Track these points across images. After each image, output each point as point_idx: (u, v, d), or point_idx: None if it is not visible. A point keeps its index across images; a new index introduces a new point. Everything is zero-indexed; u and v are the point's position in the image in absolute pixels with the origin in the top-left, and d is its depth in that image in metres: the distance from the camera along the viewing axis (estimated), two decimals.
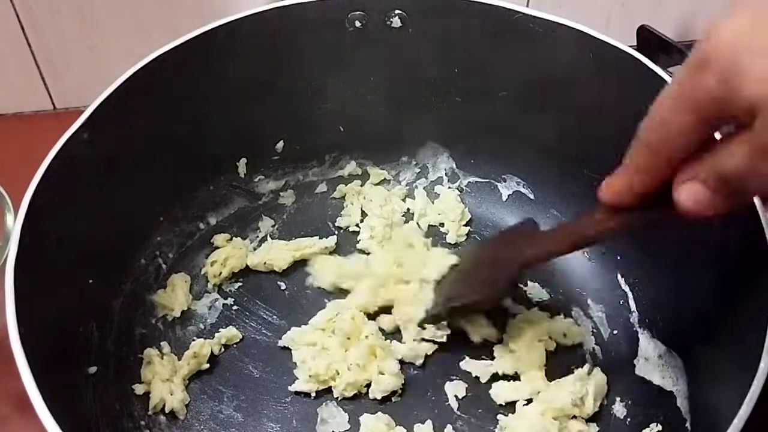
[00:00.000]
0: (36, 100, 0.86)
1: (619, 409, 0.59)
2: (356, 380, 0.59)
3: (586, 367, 0.60)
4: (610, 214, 0.50)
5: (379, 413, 0.58)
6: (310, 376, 0.59)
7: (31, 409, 0.62)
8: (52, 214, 0.52)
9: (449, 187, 0.73)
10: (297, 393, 0.60)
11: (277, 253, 0.67)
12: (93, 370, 0.56)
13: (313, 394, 0.60)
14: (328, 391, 0.60)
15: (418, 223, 0.71)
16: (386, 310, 0.64)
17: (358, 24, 0.65)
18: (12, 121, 0.87)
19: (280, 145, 0.71)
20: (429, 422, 0.58)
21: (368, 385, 0.60)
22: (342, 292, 0.65)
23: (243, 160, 0.70)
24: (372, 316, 0.64)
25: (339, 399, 0.59)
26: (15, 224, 0.50)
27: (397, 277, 0.64)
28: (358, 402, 0.59)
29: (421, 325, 0.62)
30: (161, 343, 0.61)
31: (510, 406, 0.59)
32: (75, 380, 0.53)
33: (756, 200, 0.49)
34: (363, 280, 0.64)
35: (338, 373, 0.59)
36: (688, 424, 0.53)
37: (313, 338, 0.62)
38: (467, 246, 0.68)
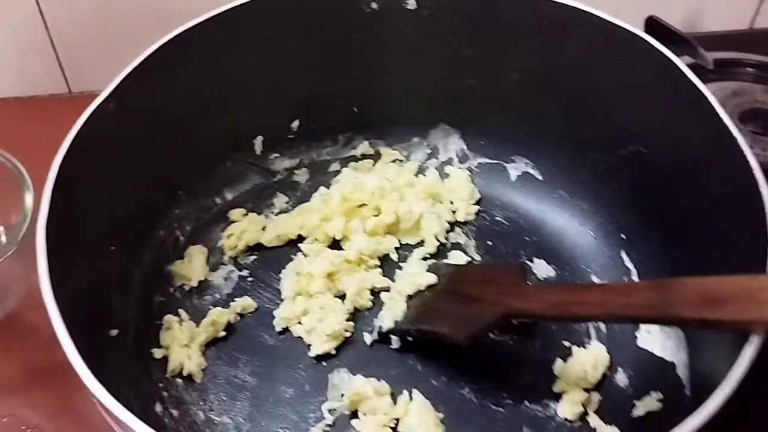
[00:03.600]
0: (52, 84, 0.88)
1: (621, 378, 0.61)
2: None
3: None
4: (603, 299, 0.50)
5: (373, 380, 0.60)
6: (327, 335, 0.61)
7: (47, 379, 0.65)
8: (78, 183, 0.54)
9: (459, 168, 0.75)
10: (313, 358, 0.62)
11: (286, 226, 0.69)
12: (114, 332, 0.58)
13: (324, 363, 0.62)
14: (338, 357, 0.62)
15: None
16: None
17: (374, 5, 0.66)
18: (29, 104, 0.89)
19: (295, 124, 0.73)
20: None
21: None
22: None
23: (259, 138, 0.72)
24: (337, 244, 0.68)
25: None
26: (44, 193, 0.51)
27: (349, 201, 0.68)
28: (368, 369, 0.62)
29: (388, 334, 0.63)
30: (179, 311, 0.63)
31: None
32: (99, 342, 0.55)
33: (762, 187, 0.50)
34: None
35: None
36: (687, 391, 0.55)
37: (303, 307, 0.64)
38: (444, 266, 0.67)
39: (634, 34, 0.60)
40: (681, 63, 0.57)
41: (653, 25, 0.84)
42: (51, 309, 0.44)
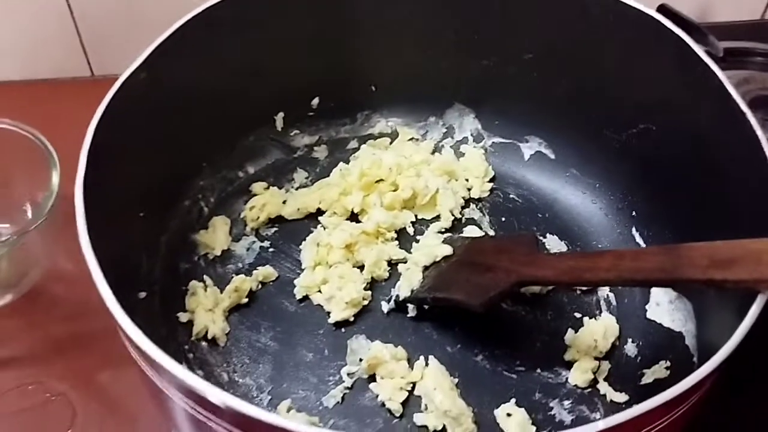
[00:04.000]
0: (75, 67, 0.90)
1: (630, 348, 0.63)
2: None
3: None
4: (615, 263, 0.51)
5: (390, 345, 0.62)
6: (346, 303, 0.63)
7: (69, 350, 0.67)
8: (111, 149, 0.55)
9: (474, 147, 0.77)
10: (332, 325, 0.64)
11: (306, 200, 0.71)
12: (143, 295, 0.60)
13: (343, 330, 0.64)
14: (356, 324, 0.64)
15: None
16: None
17: None
18: (53, 86, 0.91)
19: (315, 101, 0.75)
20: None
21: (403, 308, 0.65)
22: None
23: (280, 114, 0.74)
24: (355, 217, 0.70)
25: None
26: (80, 158, 0.53)
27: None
28: (385, 336, 0.64)
29: (404, 302, 0.65)
30: (204, 277, 0.66)
31: None
32: (129, 303, 0.57)
33: None
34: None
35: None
36: (695, 359, 0.57)
37: (323, 276, 0.66)
38: (460, 238, 0.69)
39: (646, 14, 0.62)
40: (691, 41, 0.59)
41: (665, 13, 0.85)
42: (91, 265, 0.46)
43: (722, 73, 0.57)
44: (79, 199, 0.49)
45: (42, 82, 0.91)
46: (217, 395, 0.40)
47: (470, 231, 0.70)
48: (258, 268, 0.67)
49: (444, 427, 0.58)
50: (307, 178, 0.75)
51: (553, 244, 0.70)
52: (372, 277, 0.67)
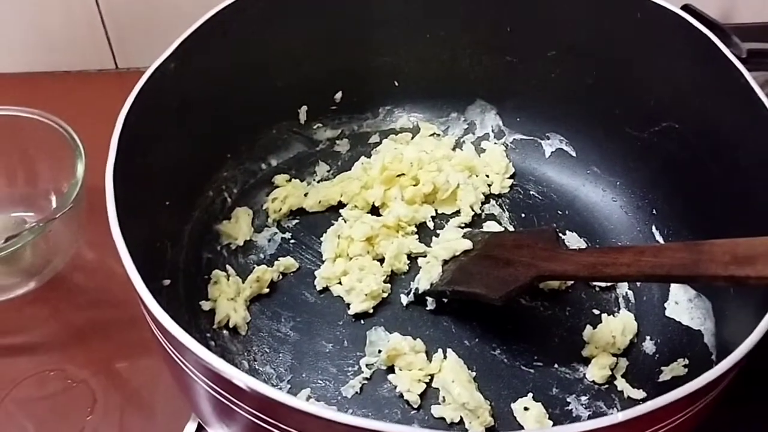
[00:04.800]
0: (100, 59, 0.92)
1: (648, 346, 0.63)
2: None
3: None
4: (635, 259, 0.51)
5: (409, 338, 0.62)
6: (366, 295, 0.64)
7: (91, 338, 0.68)
8: (140, 137, 0.56)
9: (495, 143, 0.77)
10: (351, 317, 0.65)
11: (327, 192, 0.72)
12: (167, 282, 0.61)
13: (362, 322, 0.65)
14: (376, 316, 0.65)
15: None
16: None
17: None
18: (78, 77, 0.92)
19: (338, 95, 0.76)
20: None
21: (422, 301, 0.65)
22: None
23: (304, 108, 0.75)
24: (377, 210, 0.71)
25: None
26: (111, 144, 0.54)
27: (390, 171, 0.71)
28: (404, 328, 0.64)
29: (424, 295, 0.65)
30: (226, 267, 0.67)
31: None
32: (154, 289, 0.58)
33: None
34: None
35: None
36: (713, 358, 0.57)
37: (343, 268, 0.66)
38: (480, 233, 0.69)
39: (672, 11, 0.62)
40: (716, 39, 0.59)
41: (688, 13, 0.86)
42: (122, 250, 0.47)
43: (748, 74, 0.57)
44: (110, 187, 0.50)
45: (66, 74, 0.92)
46: (241, 378, 0.41)
47: (490, 226, 0.71)
48: (279, 258, 0.68)
49: (461, 419, 0.58)
50: (328, 171, 0.76)
51: (573, 241, 0.70)
52: (392, 270, 0.67)
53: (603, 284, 0.66)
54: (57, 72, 0.92)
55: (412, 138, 0.77)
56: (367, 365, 0.62)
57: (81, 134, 0.69)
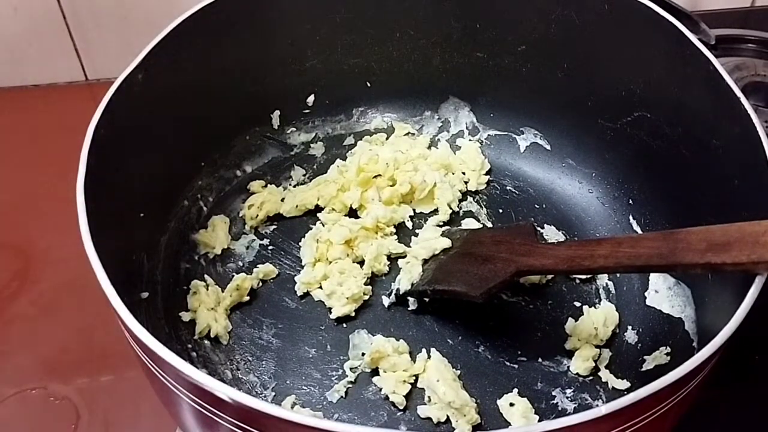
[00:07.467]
0: (69, 71, 0.91)
1: (630, 336, 0.63)
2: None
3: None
4: (613, 251, 0.51)
5: (392, 339, 0.62)
6: (347, 298, 0.64)
7: (72, 355, 0.67)
8: (110, 149, 0.56)
9: (470, 140, 0.77)
10: (333, 321, 0.64)
11: (304, 197, 0.72)
12: (145, 295, 0.60)
13: (345, 325, 0.64)
14: (358, 319, 0.64)
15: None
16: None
17: None
18: (47, 91, 0.91)
19: (311, 99, 0.75)
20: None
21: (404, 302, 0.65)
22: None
23: (276, 113, 0.74)
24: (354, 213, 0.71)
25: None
26: (81, 158, 0.52)
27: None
28: (386, 330, 0.64)
29: (405, 296, 0.65)
30: (205, 276, 0.66)
31: None
32: (132, 303, 0.57)
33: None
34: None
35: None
36: (695, 344, 0.58)
37: (323, 272, 0.66)
38: (458, 231, 0.69)
39: (639, 2, 0.62)
40: (684, 28, 0.59)
41: (656, 1, 0.86)
42: (95, 266, 0.46)
43: (716, 60, 0.57)
44: (81, 201, 0.50)
45: (35, 88, 0.91)
46: (223, 390, 0.40)
47: (468, 223, 0.71)
48: (258, 266, 0.67)
49: (447, 418, 0.58)
50: (304, 175, 0.75)
51: (551, 234, 0.70)
52: (372, 272, 0.67)
53: (583, 276, 0.66)
54: (25, 86, 0.91)
55: (387, 138, 0.77)
56: (351, 369, 0.61)
57: (52, 148, 0.68)
